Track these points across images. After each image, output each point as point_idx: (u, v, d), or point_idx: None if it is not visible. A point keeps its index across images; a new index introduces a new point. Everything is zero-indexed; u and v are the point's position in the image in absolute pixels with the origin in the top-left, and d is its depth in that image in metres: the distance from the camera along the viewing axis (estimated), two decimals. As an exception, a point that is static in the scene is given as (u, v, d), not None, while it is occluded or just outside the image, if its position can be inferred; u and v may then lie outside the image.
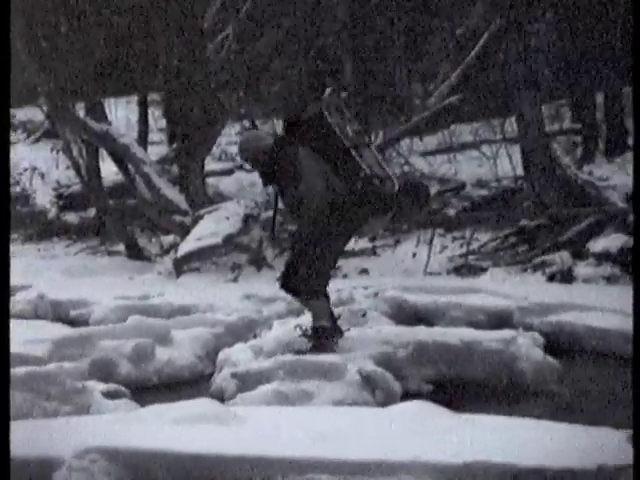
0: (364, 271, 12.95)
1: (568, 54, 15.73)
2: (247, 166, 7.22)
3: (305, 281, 6.76)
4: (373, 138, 16.37)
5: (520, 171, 14.43)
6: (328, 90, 7.16)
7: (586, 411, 6.15)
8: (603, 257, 11.01)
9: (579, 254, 11.49)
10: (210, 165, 15.54)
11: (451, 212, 15.04)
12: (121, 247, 15.45)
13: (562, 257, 11.47)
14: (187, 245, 13.01)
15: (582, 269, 11.06)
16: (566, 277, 11.07)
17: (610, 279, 10.69)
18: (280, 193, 6.93)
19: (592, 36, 15.22)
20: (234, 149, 16.77)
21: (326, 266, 6.94)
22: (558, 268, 11.32)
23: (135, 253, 14.98)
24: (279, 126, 15.54)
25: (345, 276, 12.48)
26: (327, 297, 6.92)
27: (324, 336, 6.79)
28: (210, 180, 15.87)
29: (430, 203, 7.61)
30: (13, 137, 21.72)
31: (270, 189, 7.58)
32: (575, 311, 8.50)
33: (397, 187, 6.88)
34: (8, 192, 4.05)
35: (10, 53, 4.07)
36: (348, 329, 7.18)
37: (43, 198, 18.90)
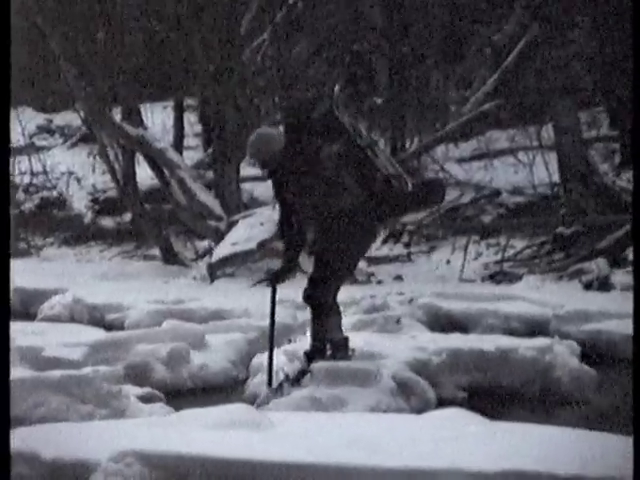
0: (399, 277, 12.94)
1: (606, 60, 15.61)
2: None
3: (327, 295, 6.67)
4: (408, 144, 16.34)
5: (556, 178, 14.36)
6: (337, 87, 6.99)
7: (623, 420, 6.09)
8: (641, 265, 10.92)
9: (617, 262, 11.40)
10: (245, 170, 15.60)
11: (486, 219, 14.99)
12: (156, 252, 15.53)
13: (599, 265, 11.39)
14: (222, 250, 13.04)
15: (620, 277, 10.97)
16: (603, 285, 10.98)
17: (648, 287, 10.60)
18: (297, 195, 6.60)
19: (630, 42, 15.10)
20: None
21: (345, 277, 6.87)
22: (595, 276, 11.24)
23: (170, 258, 15.05)
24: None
25: (380, 282, 12.46)
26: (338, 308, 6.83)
27: (343, 347, 6.71)
28: (245, 186, 15.91)
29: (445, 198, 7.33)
30: (50, 142, 21.91)
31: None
32: (613, 319, 8.43)
33: (410, 185, 6.70)
34: (8, 192, 4.06)
35: (10, 53, 4.02)
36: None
37: (79, 203, 19.05)
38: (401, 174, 6.71)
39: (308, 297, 6.68)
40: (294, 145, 6.57)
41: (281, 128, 6.96)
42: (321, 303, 6.64)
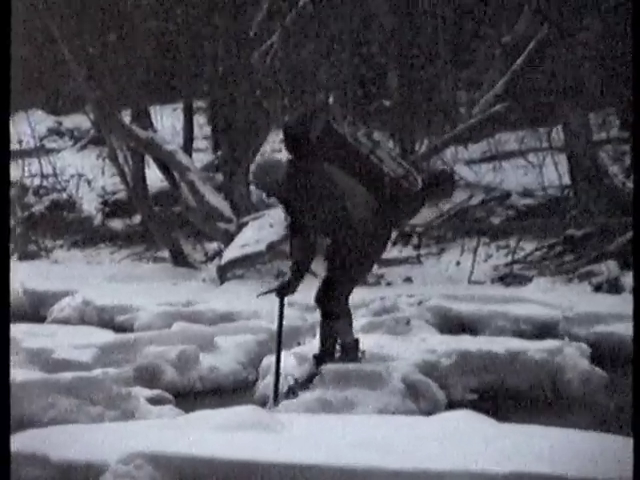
0: (408, 279, 12.91)
1: (616, 62, 15.58)
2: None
3: (339, 300, 6.65)
4: (417, 146, 16.32)
5: (566, 180, 14.31)
6: (331, 98, 6.92)
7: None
8: (651, 267, 10.88)
9: (627, 264, 11.37)
10: (254, 173, 15.56)
11: (496, 221, 14.96)
12: (166, 254, 15.53)
13: (609, 267, 11.36)
14: (231, 252, 13.04)
15: (630, 279, 10.94)
16: (613, 287, 10.96)
17: (659, 289, 10.57)
18: (307, 214, 6.52)
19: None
20: (279, 156, 16.80)
21: (359, 281, 6.85)
22: (605, 278, 11.21)
23: (180, 260, 15.05)
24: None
25: (389, 284, 12.44)
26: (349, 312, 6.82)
27: (353, 350, 6.68)
28: (254, 187, 15.91)
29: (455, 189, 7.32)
30: (60, 144, 21.93)
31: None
32: (622, 321, 8.40)
33: (421, 182, 6.67)
34: (8, 192, 4.07)
35: (10, 53, 4.02)
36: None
37: (89, 205, 19.06)
38: (409, 172, 6.68)
39: (320, 300, 6.68)
40: (297, 170, 6.50)
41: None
42: (333, 306, 6.63)
